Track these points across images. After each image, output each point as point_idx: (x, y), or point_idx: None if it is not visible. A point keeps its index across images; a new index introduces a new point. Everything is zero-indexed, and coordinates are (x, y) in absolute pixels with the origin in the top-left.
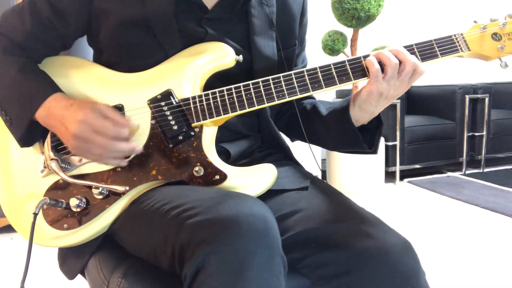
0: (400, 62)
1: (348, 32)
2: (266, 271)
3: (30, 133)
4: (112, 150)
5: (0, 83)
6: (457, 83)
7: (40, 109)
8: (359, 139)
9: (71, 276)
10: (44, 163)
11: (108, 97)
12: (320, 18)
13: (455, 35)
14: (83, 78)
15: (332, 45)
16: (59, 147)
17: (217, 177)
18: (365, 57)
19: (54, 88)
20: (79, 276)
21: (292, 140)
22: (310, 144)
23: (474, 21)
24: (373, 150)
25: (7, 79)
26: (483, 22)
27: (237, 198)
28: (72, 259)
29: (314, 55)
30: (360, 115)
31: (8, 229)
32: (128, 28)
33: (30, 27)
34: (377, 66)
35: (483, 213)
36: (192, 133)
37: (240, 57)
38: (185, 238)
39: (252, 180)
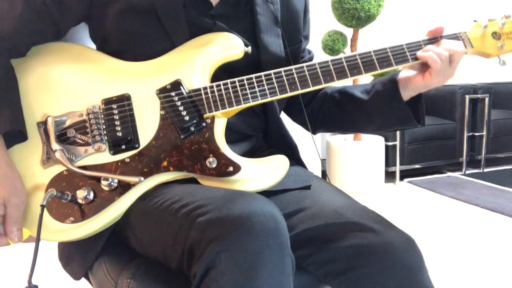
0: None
1: (348, 32)
2: (277, 271)
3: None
4: None
5: None
6: (457, 83)
7: None
8: (410, 117)
9: (77, 276)
10: (47, 153)
11: (114, 86)
12: (320, 18)
13: (459, 33)
14: (88, 66)
15: (332, 45)
16: (62, 137)
17: (231, 168)
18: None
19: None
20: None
21: (315, 132)
22: (315, 144)
23: (475, 20)
24: (422, 123)
25: None
26: (483, 21)
27: (248, 197)
28: (76, 260)
29: (314, 55)
30: (408, 95)
31: None
32: (134, 15)
33: (21, 11)
34: (440, 62)
35: (483, 213)
36: (204, 124)
37: (249, 49)
38: (196, 236)
39: (265, 171)
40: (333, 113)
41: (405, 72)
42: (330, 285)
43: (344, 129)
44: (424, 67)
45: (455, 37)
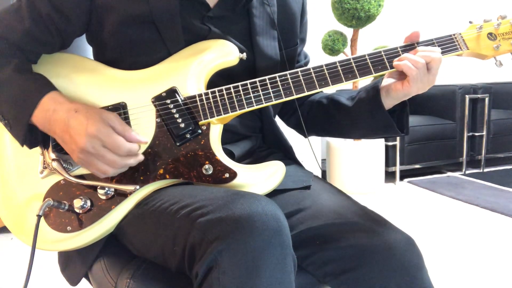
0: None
1: (348, 32)
2: (278, 270)
3: (32, 135)
4: (120, 166)
5: None
6: (457, 83)
7: (37, 111)
8: (392, 125)
9: (74, 282)
10: (44, 163)
11: (110, 95)
12: (320, 18)
13: (454, 35)
14: (84, 76)
15: (332, 45)
16: (59, 147)
17: (227, 175)
18: (380, 56)
19: (49, 88)
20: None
21: (306, 136)
22: (311, 145)
23: (470, 22)
24: (405, 132)
25: (1, 80)
26: (478, 22)
27: (249, 197)
28: (75, 264)
29: (314, 55)
30: (390, 103)
31: (8, 229)
32: (132, 24)
33: (29, 25)
34: (416, 70)
35: (483, 213)
36: (199, 131)
37: (244, 55)
38: (197, 236)
39: (262, 177)
40: (320, 118)
41: (386, 80)
42: (330, 285)
43: (331, 134)
44: (403, 75)
45: (450, 38)
